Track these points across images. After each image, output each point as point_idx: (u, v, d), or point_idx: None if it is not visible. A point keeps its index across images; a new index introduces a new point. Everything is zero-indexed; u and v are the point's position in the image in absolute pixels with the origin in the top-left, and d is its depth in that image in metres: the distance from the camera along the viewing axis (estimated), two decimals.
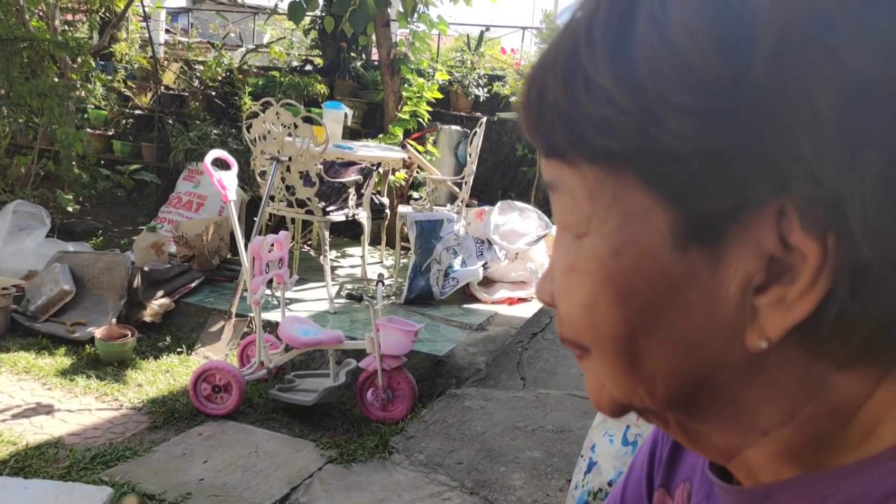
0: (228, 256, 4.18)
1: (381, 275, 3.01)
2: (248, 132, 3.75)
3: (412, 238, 3.88)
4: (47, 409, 2.60)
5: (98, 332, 3.06)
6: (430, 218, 3.95)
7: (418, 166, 5.07)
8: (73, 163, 4.76)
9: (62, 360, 3.02)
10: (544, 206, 4.81)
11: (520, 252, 3.99)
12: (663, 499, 0.50)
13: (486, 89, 5.99)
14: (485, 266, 3.90)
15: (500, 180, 5.74)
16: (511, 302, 3.86)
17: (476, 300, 3.86)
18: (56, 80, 4.73)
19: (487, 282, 3.97)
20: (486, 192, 5.50)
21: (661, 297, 0.31)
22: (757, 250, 0.29)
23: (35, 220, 4.04)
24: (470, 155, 4.48)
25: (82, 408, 2.65)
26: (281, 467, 2.31)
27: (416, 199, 5.12)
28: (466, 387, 2.86)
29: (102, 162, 5.39)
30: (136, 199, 5.76)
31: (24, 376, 2.84)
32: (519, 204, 4.26)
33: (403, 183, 5.20)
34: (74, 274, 3.41)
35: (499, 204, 4.19)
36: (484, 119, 4.68)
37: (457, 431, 2.52)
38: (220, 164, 3.26)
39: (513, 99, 5.79)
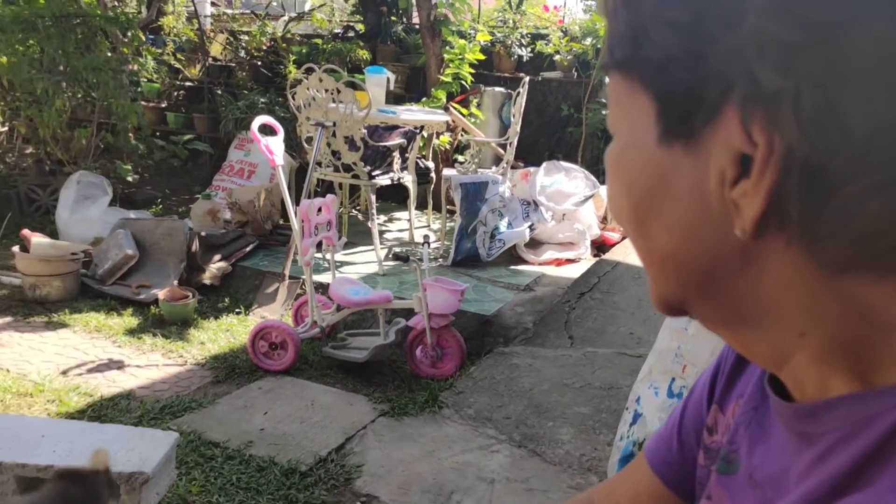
0: (280, 222, 4.30)
1: (426, 236, 3.05)
2: (293, 99, 3.81)
3: (457, 201, 3.90)
4: (118, 365, 2.77)
5: (161, 294, 3.22)
6: (474, 180, 3.96)
7: (462, 129, 5.06)
8: (130, 134, 4.94)
9: (130, 319, 3.19)
10: (591, 167, 4.74)
11: (567, 213, 3.97)
12: (716, 415, 0.52)
13: (529, 49, 5.89)
14: (531, 227, 3.90)
15: (546, 141, 5.67)
16: (558, 263, 3.86)
17: (523, 261, 3.87)
18: (109, 54, 4.88)
19: (534, 243, 3.97)
20: (533, 153, 5.45)
21: (656, 187, 0.37)
22: (727, 147, 0.33)
23: (98, 190, 4.23)
24: (514, 116, 4.44)
25: (150, 363, 2.81)
26: (336, 419, 2.41)
27: (461, 163, 5.13)
28: (514, 345, 2.90)
29: (157, 133, 5.57)
30: (190, 168, 5.94)
31: (96, 335, 3.02)
32: (565, 164, 4.22)
33: (448, 146, 5.20)
34: (137, 239, 3.57)
35: (544, 164, 4.15)
36: (527, 79, 4.62)
37: (505, 388, 2.57)
38: (267, 131, 3.34)
39: (556, 58, 5.68)
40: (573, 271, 3.69)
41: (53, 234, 3.91)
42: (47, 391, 2.47)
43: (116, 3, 6.14)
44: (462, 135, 5.25)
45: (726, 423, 0.50)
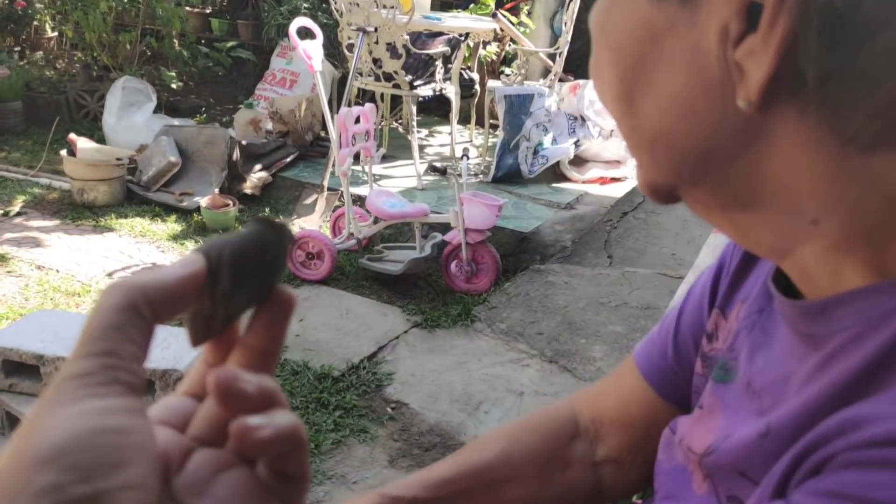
0: (321, 134, 4.25)
1: (466, 149, 2.97)
2: (335, 2, 3.67)
3: (500, 113, 3.76)
4: None
5: (203, 202, 3.26)
6: (519, 92, 3.79)
7: (511, 39, 4.82)
8: (175, 41, 4.89)
9: (173, 226, 3.26)
10: None
11: (615, 129, 3.79)
12: (717, 320, 0.48)
13: None
14: (577, 144, 3.75)
15: None
16: (604, 181, 3.73)
17: (566, 179, 3.76)
18: None
19: (579, 160, 3.84)
20: (584, 66, 5.16)
21: (647, 52, 0.32)
22: None
23: (142, 96, 4.25)
24: (565, 24, 4.19)
25: None
26: (370, 328, 2.45)
27: (507, 75, 4.92)
28: (551, 263, 2.85)
29: (202, 40, 5.50)
30: (235, 77, 5.89)
31: (141, 239, 3.11)
32: None
33: (495, 57, 4.99)
34: (179, 146, 3.60)
35: None
36: None
37: (539, 304, 2.54)
38: (306, 34, 3.24)
39: None
40: (618, 190, 3.56)
41: (101, 140, 3.97)
42: (94, 292, 2.56)
43: None
44: (510, 45, 5.01)
45: (728, 328, 0.46)
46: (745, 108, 0.29)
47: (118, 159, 3.41)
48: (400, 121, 4.89)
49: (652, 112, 0.33)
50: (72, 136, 3.45)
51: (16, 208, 3.25)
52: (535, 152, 3.73)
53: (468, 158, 2.93)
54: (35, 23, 5.77)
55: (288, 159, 3.83)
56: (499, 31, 4.54)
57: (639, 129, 0.34)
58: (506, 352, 2.29)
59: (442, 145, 4.58)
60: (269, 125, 4.16)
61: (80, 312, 2.28)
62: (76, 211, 3.30)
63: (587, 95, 3.84)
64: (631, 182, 3.67)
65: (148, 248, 3.03)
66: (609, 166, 3.82)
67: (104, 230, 3.16)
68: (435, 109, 5.16)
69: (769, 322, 0.40)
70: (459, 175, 2.78)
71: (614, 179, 3.76)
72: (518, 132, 3.72)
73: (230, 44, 5.48)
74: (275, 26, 5.20)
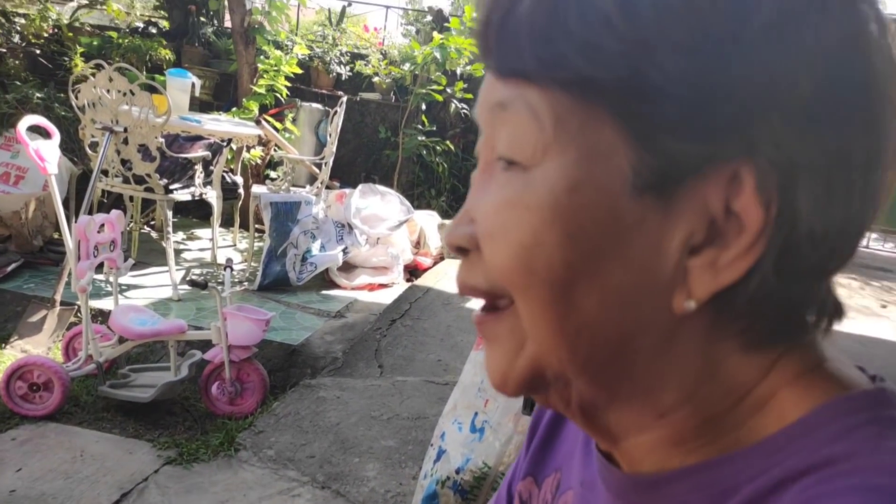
0: (54, 236, 3.73)
1: (229, 259, 2.83)
2: (76, 98, 3.35)
3: (267, 220, 3.69)
4: None
5: None
6: (286, 199, 3.78)
7: (276, 144, 4.84)
8: None
9: None
10: (406, 191, 4.80)
11: (381, 237, 3.95)
12: (530, 488, 0.47)
13: (348, 67, 5.84)
14: (345, 251, 3.81)
15: (362, 163, 5.64)
16: (372, 288, 3.81)
17: (335, 286, 3.76)
18: None
19: (347, 267, 3.89)
20: (349, 174, 5.39)
21: (608, 243, 0.30)
22: (703, 209, 0.29)
23: None
24: (330, 135, 4.34)
25: None
26: (111, 472, 2.10)
27: (272, 179, 4.89)
28: (322, 376, 2.78)
29: None
30: None
31: None
32: (381, 188, 4.20)
33: (259, 161, 4.94)
34: None
35: (360, 187, 4.10)
36: (345, 98, 4.56)
37: (310, 423, 2.44)
38: (40, 132, 2.87)
39: (376, 79, 5.69)
40: (386, 296, 3.67)
41: None
42: None
43: None
44: (275, 150, 5.02)
45: (543, 498, 0.45)
46: (685, 309, 0.30)
47: None
48: (153, 223, 4.52)
49: (591, 301, 0.31)
50: None
51: None
52: (304, 259, 3.70)
53: (232, 269, 2.79)
54: None
55: (9, 268, 3.27)
56: (263, 136, 4.53)
57: (567, 316, 0.31)
58: (274, 482, 2.12)
59: (202, 249, 4.31)
60: None
61: None
62: None
63: (353, 204, 3.96)
64: (398, 288, 3.81)
65: None
66: (377, 272, 3.93)
67: None
68: (194, 210, 4.89)
69: (591, 492, 0.40)
70: (222, 286, 2.63)
71: (382, 285, 3.86)
72: (286, 239, 3.67)
73: None
74: None
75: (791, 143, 0.28)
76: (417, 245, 4.30)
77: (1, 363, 2.68)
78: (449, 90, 5.33)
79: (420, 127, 5.29)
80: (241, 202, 4.47)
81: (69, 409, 2.44)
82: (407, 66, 5.59)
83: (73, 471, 2.08)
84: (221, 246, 4.24)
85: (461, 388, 1.73)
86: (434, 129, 5.35)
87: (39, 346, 2.88)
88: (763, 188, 0.28)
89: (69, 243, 2.72)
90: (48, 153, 2.77)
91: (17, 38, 5.56)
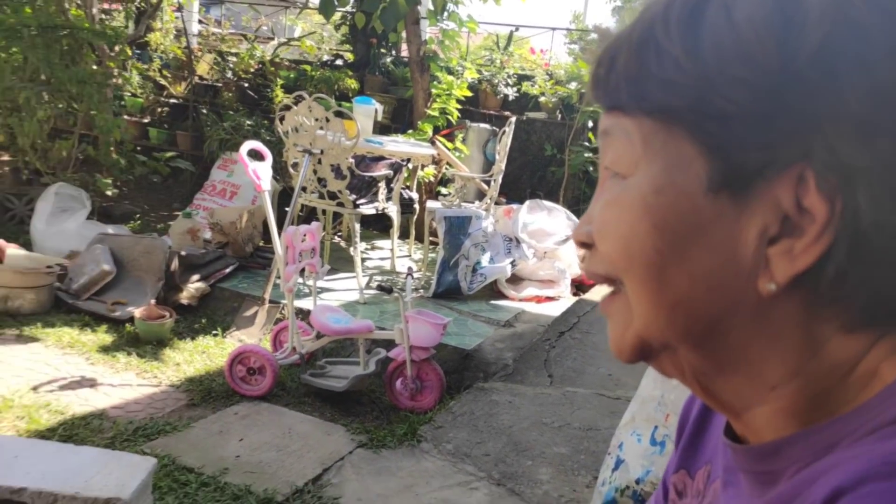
0: (261, 244, 4.27)
1: (410, 268, 3.07)
2: (281, 124, 3.83)
3: (441, 233, 3.93)
4: (91, 383, 2.70)
5: (137, 312, 3.16)
6: (458, 214, 4.00)
7: (447, 163, 5.13)
8: (112, 148, 4.88)
9: (104, 336, 3.12)
10: (572, 207, 4.84)
11: (548, 251, 4.03)
12: (683, 479, 0.53)
13: (514, 88, 6.03)
14: (512, 263, 3.95)
15: (528, 179, 5.77)
16: (539, 300, 3.90)
17: (503, 296, 3.91)
18: (95, 67, 4.85)
19: (515, 279, 4.02)
20: (515, 190, 5.54)
21: (691, 233, 0.37)
22: (775, 207, 0.35)
23: (76, 203, 4.16)
24: (499, 153, 4.53)
25: (124, 383, 2.74)
26: (313, 449, 2.38)
27: (444, 195, 5.18)
28: (494, 381, 2.91)
29: (139, 148, 5.51)
30: (171, 185, 5.88)
31: (69, 351, 2.95)
32: (547, 203, 4.29)
33: (432, 179, 5.26)
34: (115, 255, 3.51)
35: (527, 203, 4.23)
36: (514, 118, 4.72)
37: (484, 424, 2.57)
38: (255, 155, 3.34)
39: (542, 99, 5.82)
40: (553, 309, 3.73)
41: (27, 244, 3.82)
42: (16, 407, 2.39)
43: (104, 17, 6.13)
44: (446, 168, 5.32)
45: (696, 488, 0.51)
46: (768, 291, 0.36)
47: (49, 267, 3.29)
48: (341, 234, 4.99)
49: (682, 282, 0.38)
50: (0, 241, 3.31)
51: None
52: (474, 270, 3.89)
53: (413, 277, 3.02)
54: None
55: (227, 270, 3.81)
56: (436, 155, 4.83)
57: (663, 293, 0.38)
58: (453, 473, 2.28)
59: (382, 259, 4.68)
60: (208, 235, 4.15)
61: (19, 434, 2.12)
62: None
63: (521, 219, 4.09)
64: (565, 302, 3.86)
65: (76, 360, 2.87)
66: (543, 285, 4.02)
67: (29, 340, 2.98)
68: (374, 223, 5.32)
69: (733, 475, 0.45)
70: (404, 292, 2.86)
71: (549, 298, 3.94)
72: (457, 251, 3.88)
73: (169, 154, 5.52)
74: (217, 140, 5.31)
75: (844, 149, 0.33)
76: (584, 260, 4.32)
77: (224, 350, 3.13)
78: None
79: (587, 144, 5.31)
80: (416, 216, 4.80)
81: (277, 392, 2.79)
82: (573, 86, 5.66)
83: (283, 445, 2.39)
84: (399, 256, 4.57)
85: (639, 401, 1.75)
86: None
87: (252, 336, 3.32)
88: (824, 186, 0.34)
89: (278, 250, 3.12)
90: (263, 173, 3.20)
91: (229, 74, 6.44)
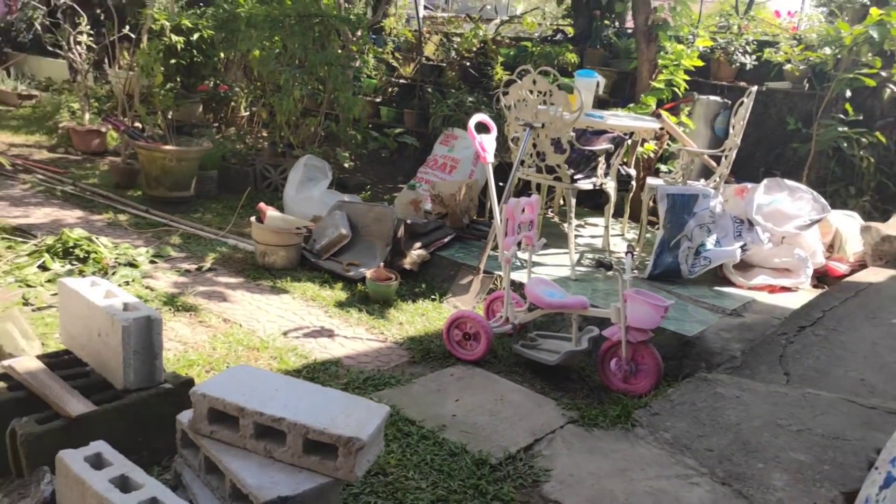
0: (475, 217, 4.41)
1: (630, 245, 2.93)
2: (504, 98, 3.87)
3: (662, 212, 3.70)
4: (329, 333, 3.02)
5: (368, 273, 3.45)
6: (683, 192, 3.73)
7: (670, 138, 4.81)
8: (350, 125, 5.37)
9: (339, 293, 3.47)
10: (817, 187, 4.25)
11: (787, 236, 3.59)
12: None
13: (753, 56, 5.43)
14: (743, 248, 3.59)
15: (762, 156, 5.20)
16: (772, 290, 3.50)
17: (729, 283, 3.57)
18: (339, 51, 5.35)
19: (744, 265, 3.65)
20: (746, 168, 5.02)
21: None
22: None
23: (319, 173, 4.66)
24: (734, 127, 4.11)
25: (355, 336, 3.02)
26: (524, 418, 2.41)
27: (664, 172, 4.88)
28: (718, 372, 2.68)
29: (371, 125, 6.00)
30: (396, 159, 6.33)
31: (311, 303, 3.33)
32: (790, 183, 3.82)
33: (652, 154, 4.98)
34: (350, 221, 3.87)
35: (765, 181, 3.80)
36: (754, 88, 4.25)
37: (707, 417, 2.38)
38: (481, 129, 3.43)
39: (787, 67, 5.16)
40: (789, 301, 3.33)
41: (280, 209, 4.37)
42: (271, 348, 2.76)
43: (348, 5, 6.74)
44: (668, 144, 4.99)
45: None
46: None
47: (298, 228, 3.73)
48: (552, 209, 4.96)
49: None
50: (262, 204, 3.83)
51: (207, 264, 3.62)
52: (697, 253, 3.61)
53: (633, 255, 2.89)
54: (232, 104, 6.60)
55: (446, 239, 3.99)
56: (659, 129, 4.55)
57: None
58: (671, 465, 2.14)
59: (593, 236, 4.56)
60: (428, 206, 4.39)
61: (273, 372, 2.46)
62: (257, 271, 3.62)
63: (756, 199, 3.69)
64: (804, 294, 3.42)
65: (317, 312, 3.23)
66: (778, 274, 3.60)
67: (280, 291, 3.42)
68: (586, 200, 5.19)
69: None
70: (624, 270, 2.74)
71: (784, 288, 3.52)
72: (679, 231, 3.63)
73: (397, 130, 5.93)
74: (440, 116, 5.57)
75: None
76: (831, 248, 3.78)
77: (441, 314, 3.30)
78: (884, 73, 4.52)
79: (841, 116, 4.61)
80: (632, 194, 4.58)
81: (489, 359, 2.86)
82: (828, 51, 4.93)
83: (496, 410, 2.45)
84: (612, 234, 4.41)
85: None
86: (860, 118, 4.60)
87: (467, 304, 3.45)
88: None
89: (498, 221, 3.18)
90: (488, 145, 3.28)
91: (453, 54, 6.70)
